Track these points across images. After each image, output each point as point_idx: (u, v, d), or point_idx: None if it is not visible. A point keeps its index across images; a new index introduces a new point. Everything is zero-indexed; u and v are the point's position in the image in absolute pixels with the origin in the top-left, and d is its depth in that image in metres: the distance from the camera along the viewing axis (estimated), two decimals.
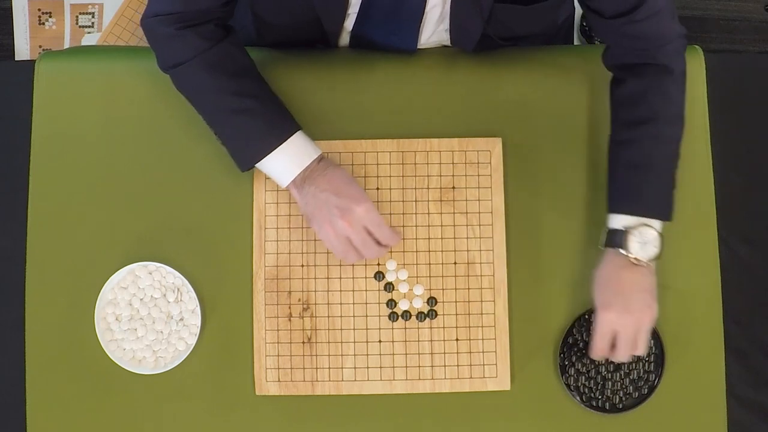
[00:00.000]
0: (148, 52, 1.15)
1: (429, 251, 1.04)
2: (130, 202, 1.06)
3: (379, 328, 1.03)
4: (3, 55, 1.82)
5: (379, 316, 1.04)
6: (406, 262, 1.04)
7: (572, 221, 1.06)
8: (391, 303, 1.04)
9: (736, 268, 1.09)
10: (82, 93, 1.09)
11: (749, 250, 1.11)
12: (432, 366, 1.03)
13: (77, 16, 1.84)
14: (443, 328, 1.03)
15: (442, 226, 1.05)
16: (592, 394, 1.03)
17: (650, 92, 0.97)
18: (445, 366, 1.03)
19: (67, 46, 1.83)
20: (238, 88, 0.97)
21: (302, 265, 1.04)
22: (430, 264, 1.04)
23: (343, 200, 0.94)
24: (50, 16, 1.84)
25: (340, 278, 1.04)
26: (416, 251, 1.04)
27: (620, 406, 1.02)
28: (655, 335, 1.03)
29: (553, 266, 1.05)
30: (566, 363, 1.03)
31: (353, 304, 1.04)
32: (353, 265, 1.04)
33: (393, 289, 1.04)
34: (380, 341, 1.03)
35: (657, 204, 0.97)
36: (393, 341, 1.03)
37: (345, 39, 1.10)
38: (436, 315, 1.04)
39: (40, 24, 1.84)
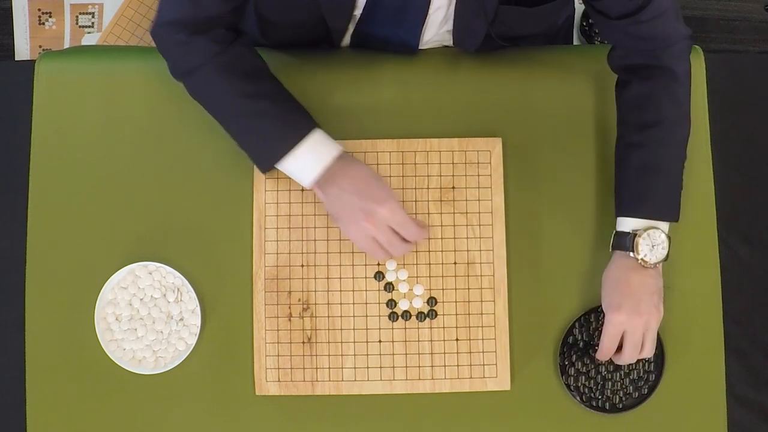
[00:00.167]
0: (147, 52, 1.15)
1: (429, 251, 1.04)
2: (130, 202, 1.06)
3: (379, 328, 1.03)
4: (3, 55, 1.82)
5: (379, 316, 1.04)
6: (406, 262, 1.04)
7: (572, 221, 1.06)
8: (391, 303, 1.04)
9: (736, 268, 1.09)
10: (82, 93, 1.09)
11: (749, 250, 1.11)
12: (432, 366, 1.03)
13: (77, 16, 1.84)
14: (443, 328, 1.03)
15: (442, 226, 1.05)
16: (592, 394, 1.03)
17: (657, 95, 0.98)
18: (445, 366, 1.03)
19: (67, 46, 1.83)
20: (252, 90, 0.96)
21: (302, 265, 1.04)
22: (430, 264, 1.04)
23: (367, 201, 0.94)
24: (50, 16, 1.84)
25: (340, 278, 1.04)
26: (416, 251, 1.04)
27: (620, 406, 1.02)
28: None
29: (553, 266, 1.05)
30: (566, 363, 1.03)
31: (353, 304, 1.04)
32: (353, 265, 1.04)
33: (393, 289, 1.04)
34: (380, 341, 1.03)
35: (665, 206, 0.97)
36: (393, 341, 1.03)
37: (347, 39, 1.10)
38: (436, 315, 1.04)
39: (40, 24, 1.84)
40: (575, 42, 1.77)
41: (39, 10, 1.84)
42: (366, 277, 1.04)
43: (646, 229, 0.95)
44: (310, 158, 0.95)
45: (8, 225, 1.07)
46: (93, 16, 1.84)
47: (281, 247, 1.04)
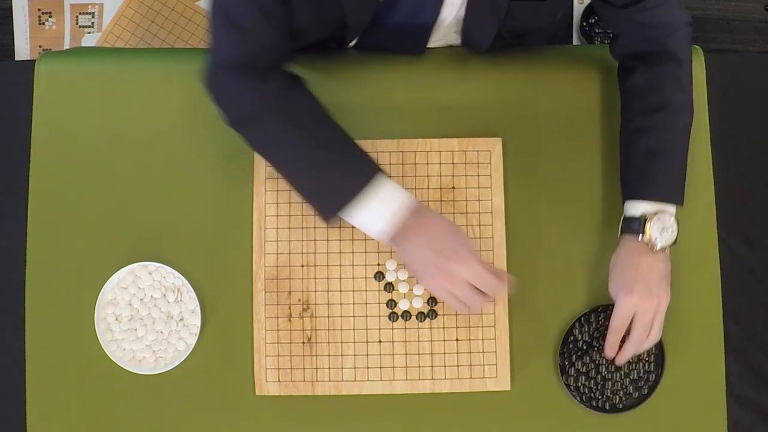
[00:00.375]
0: (147, 53, 1.16)
1: None
2: (130, 202, 1.06)
3: (379, 328, 1.04)
4: (3, 55, 1.82)
5: (379, 316, 1.04)
6: None
7: (572, 221, 1.06)
8: (391, 303, 1.04)
9: (736, 268, 1.09)
10: (82, 93, 1.09)
11: (749, 251, 1.11)
12: (432, 366, 1.03)
13: (77, 16, 1.84)
14: (443, 328, 1.03)
15: None
16: (592, 394, 1.03)
17: (663, 79, 0.99)
18: (445, 366, 1.03)
19: (67, 46, 1.83)
20: (315, 141, 0.94)
21: (302, 265, 1.04)
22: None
23: (442, 258, 0.91)
24: (50, 16, 1.84)
25: (340, 278, 1.04)
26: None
27: (620, 406, 1.02)
28: None
29: (552, 266, 1.05)
30: (566, 363, 1.03)
31: (353, 304, 1.04)
32: (353, 265, 1.04)
33: (393, 289, 1.04)
34: (380, 341, 1.03)
35: (674, 189, 0.98)
36: (393, 341, 1.03)
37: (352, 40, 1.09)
38: (436, 315, 1.04)
39: (40, 24, 1.84)
40: (575, 42, 1.78)
41: (39, 10, 1.84)
42: (366, 277, 1.04)
43: (655, 213, 0.95)
44: (376, 208, 0.92)
45: (8, 225, 1.07)
46: (93, 16, 1.84)
47: (281, 247, 1.04)
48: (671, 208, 0.97)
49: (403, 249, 0.94)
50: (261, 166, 1.06)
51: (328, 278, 1.04)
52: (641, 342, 0.96)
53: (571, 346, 1.03)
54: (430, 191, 1.06)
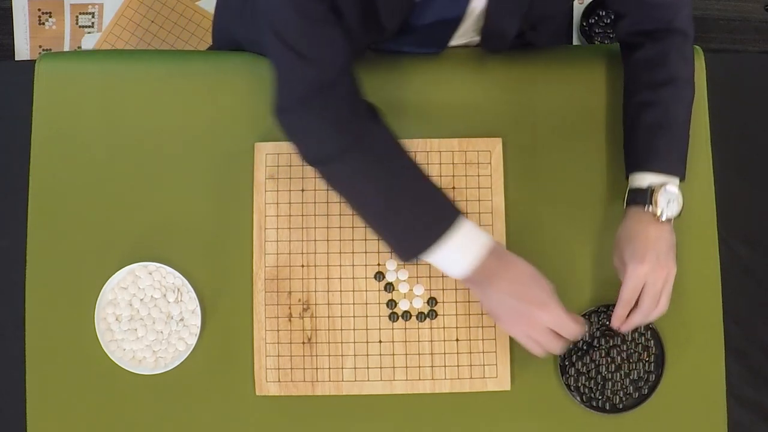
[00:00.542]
0: (147, 54, 1.16)
1: None
2: (130, 202, 1.06)
3: (379, 329, 1.04)
4: (3, 55, 1.82)
5: (379, 316, 1.04)
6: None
7: (572, 222, 1.06)
8: (392, 303, 1.04)
9: (736, 268, 1.09)
10: (82, 93, 1.09)
11: (749, 250, 1.11)
12: (432, 366, 1.03)
13: (77, 16, 1.84)
14: (443, 328, 1.03)
15: None
16: (592, 394, 1.03)
17: (670, 55, 0.99)
18: (445, 366, 1.03)
19: (67, 46, 1.83)
20: (394, 180, 0.92)
21: (302, 265, 1.04)
22: (430, 264, 1.04)
23: (527, 306, 0.91)
24: (50, 16, 1.84)
25: (340, 278, 1.04)
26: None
27: (620, 406, 1.02)
28: (655, 335, 1.03)
29: (552, 266, 1.05)
30: (566, 363, 1.03)
31: (353, 304, 1.04)
32: (353, 265, 1.04)
33: (393, 290, 1.04)
34: (380, 341, 1.03)
35: (679, 162, 0.99)
36: (393, 341, 1.03)
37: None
38: (436, 315, 1.04)
39: (40, 24, 1.84)
40: (575, 42, 1.78)
41: (39, 10, 1.84)
42: (366, 278, 1.04)
43: (661, 185, 0.96)
44: (457, 251, 0.91)
45: (8, 225, 1.07)
46: (93, 16, 1.84)
47: (281, 247, 1.05)
48: (675, 180, 0.98)
49: (483, 292, 0.94)
50: (261, 166, 1.06)
51: (328, 278, 1.04)
52: (650, 312, 0.96)
53: (571, 346, 1.03)
54: None
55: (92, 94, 1.09)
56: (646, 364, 1.03)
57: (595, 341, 1.03)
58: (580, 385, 1.03)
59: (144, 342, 1.03)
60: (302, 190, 1.05)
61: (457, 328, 1.03)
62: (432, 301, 1.04)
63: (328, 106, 0.90)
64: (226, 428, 1.03)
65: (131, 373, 1.02)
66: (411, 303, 1.04)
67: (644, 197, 0.96)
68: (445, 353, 1.03)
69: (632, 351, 1.03)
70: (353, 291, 1.04)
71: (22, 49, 1.83)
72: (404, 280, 1.04)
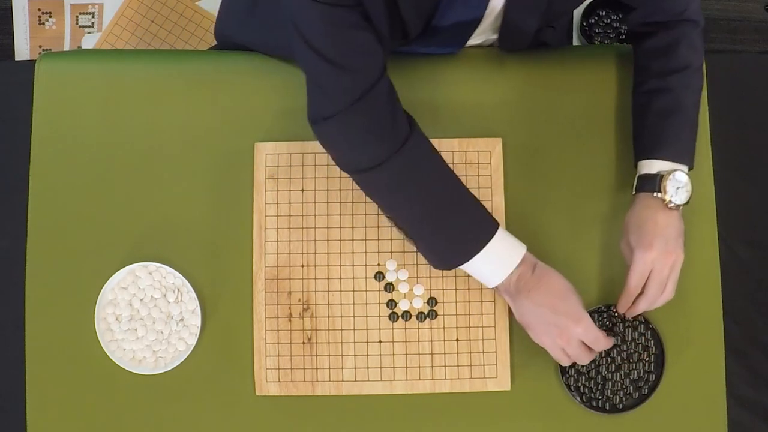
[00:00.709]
0: (147, 54, 1.16)
1: None
2: (130, 202, 1.06)
3: (379, 329, 1.04)
4: (3, 55, 1.82)
5: (379, 316, 1.04)
6: (407, 262, 1.04)
7: (572, 221, 1.06)
8: (391, 303, 1.04)
9: (736, 268, 1.09)
10: (82, 93, 1.09)
11: (749, 250, 1.11)
12: (432, 366, 1.03)
13: (77, 16, 1.84)
14: (443, 328, 1.03)
15: None
16: (592, 394, 1.03)
17: (681, 43, 1.00)
18: (445, 366, 1.03)
19: (67, 46, 1.83)
20: (432, 191, 0.93)
21: (302, 265, 1.04)
22: (430, 264, 1.04)
23: (561, 318, 0.92)
24: (50, 16, 1.84)
25: (340, 278, 1.04)
26: (417, 251, 1.04)
27: (620, 406, 1.02)
28: (655, 335, 1.03)
29: (552, 266, 1.05)
30: None
31: (353, 304, 1.04)
32: (353, 265, 1.04)
33: (393, 290, 1.04)
34: (380, 341, 1.03)
35: (688, 150, 0.99)
36: (393, 341, 1.03)
37: None
38: (436, 315, 1.04)
39: (40, 24, 1.84)
40: (575, 42, 1.78)
41: (39, 10, 1.84)
42: (366, 278, 1.04)
43: (670, 171, 0.96)
44: (494, 262, 0.93)
45: (8, 225, 1.07)
46: (93, 16, 1.84)
47: (281, 247, 1.04)
48: (685, 168, 0.98)
49: (516, 302, 0.95)
50: (261, 166, 1.06)
51: (328, 278, 1.04)
52: (656, 298, 0.96)
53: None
54: None
55: (92, 94, 1.09)
56: (646, 364, 1.03)
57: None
58: (580, 385, 1.03)
59: (144, 342, 1.03)
60: (302, 190, 1.05)
61: (457, 328, 1.03)
62: (432, 301, 1.04)
63: (368, 114, 0.90)
64: (226, 428, 1.03)
65: (131, 373, 1.02)
66: (411, 303, 1.04)
67: (653, 183, 0.97)
68: (445, 353, 1.03)
69: (632, 351, 1.03)
70: (353, 291, 1.04)
71: (22, 49, 1.83)
72: (404, 280, 1.04)
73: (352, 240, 1.05)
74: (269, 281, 1.04)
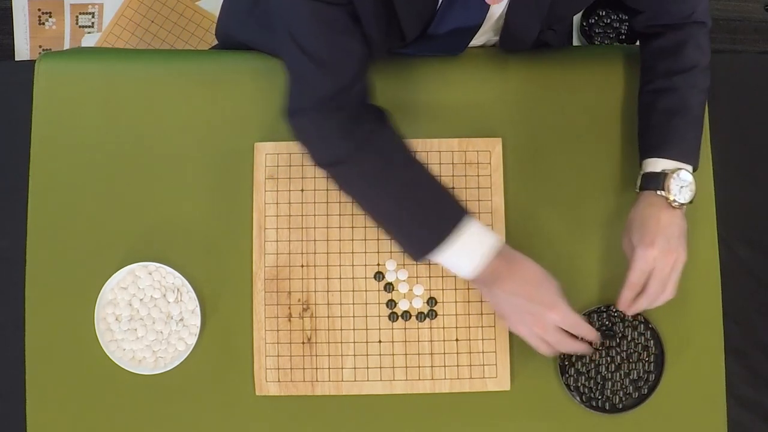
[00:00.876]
0: (147, 54, 1.16)
1: None
2: (130, 202, 1.06)
3: (379, 329, 1.04)
4: (3, 55, 1.82)
5: (379, 316, 1.04)
6: (406, 262, 1.04)
7: (572, 221, 1.06)
8: (391, 303, 1.04)
9: (736, 268, 1.09)
10: (82, 93, 1.09)
11: (749, 251, 1.11)
12: (432, 366, 1.03)
13: (77, 16, 1.84)
14: (443, 328, 1.03)
15: None
16: (592, 394, 1.03)
17: (689, 44, 1.01)
18: (444, 366, 1.03)
19: (67, 46, 1.83)
20: (402, 182, 0.94)
21: (302, 265, 1.04)
22: (430, 264, 1.04)
23: (536, 306, 0.92)
24: (50, 16, 1.84)
25: (340, 278, 1.04)
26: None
27: (620, 406, 1.02)
28: (655, 335, 1.03)
29: (552, 266, 1.04)
30: (566, 363, 1.03)
31: (353, 304, 1.04)
32: (353, 265, 1.04)
33: (393, 290, 1.04)
34: (380, 341, 1.03)
35: (693, 150, 0.99)
36: (393, 341, 1.03)
37: None
38: (436, 315, 1.04)
39: (40, 24, 1.84)
40: (575, 42, 1.77)
41: (39, 10, 1.84)
42: (366, 278, 1.04)
43: (674, 171, 0.96)
44: (465, 251, 0.93)
45: (8, 225, 1.07)
46: (93, 16, 1.84)
47: (281, 247, 1.05)
48: (689, 167, 0.98)
49: (491, 292, 0.94)
50: (261, 166, 1.06)
51: (328, 278, 1.04)
52: (656, 297, 0.96)
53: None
54: None
55: (92, 93, 1.09)
56: (646, 364, 1.03)
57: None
58: (579, 385, 1.03)
59: (144, 342, 1.03)
60: (302, 190, 1.05)
61: (456, 328, 1.03)
62: (432, 301, 1.04)
63: (339, 110, 0.92)
64: (226, 428, 1.03)
65: (131, 373, 1.02)
66: (411, 303, 1.04)
67: (657, 182, 0.97)
68: (444, 353, 1.03)
69: (632, 351, 1.03)
70: (353, 291, 1.04)
71: (22, 49, 1.83)
72: (404, 280, 1.04)
73: (352, 240, 1.05)
74: (269, 281, 1.04)
